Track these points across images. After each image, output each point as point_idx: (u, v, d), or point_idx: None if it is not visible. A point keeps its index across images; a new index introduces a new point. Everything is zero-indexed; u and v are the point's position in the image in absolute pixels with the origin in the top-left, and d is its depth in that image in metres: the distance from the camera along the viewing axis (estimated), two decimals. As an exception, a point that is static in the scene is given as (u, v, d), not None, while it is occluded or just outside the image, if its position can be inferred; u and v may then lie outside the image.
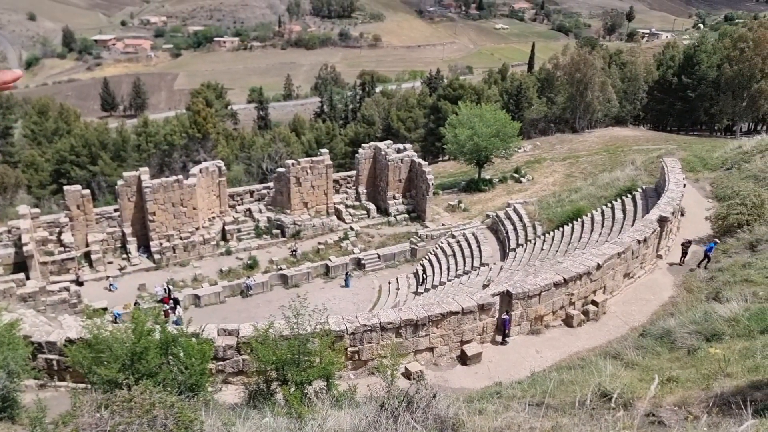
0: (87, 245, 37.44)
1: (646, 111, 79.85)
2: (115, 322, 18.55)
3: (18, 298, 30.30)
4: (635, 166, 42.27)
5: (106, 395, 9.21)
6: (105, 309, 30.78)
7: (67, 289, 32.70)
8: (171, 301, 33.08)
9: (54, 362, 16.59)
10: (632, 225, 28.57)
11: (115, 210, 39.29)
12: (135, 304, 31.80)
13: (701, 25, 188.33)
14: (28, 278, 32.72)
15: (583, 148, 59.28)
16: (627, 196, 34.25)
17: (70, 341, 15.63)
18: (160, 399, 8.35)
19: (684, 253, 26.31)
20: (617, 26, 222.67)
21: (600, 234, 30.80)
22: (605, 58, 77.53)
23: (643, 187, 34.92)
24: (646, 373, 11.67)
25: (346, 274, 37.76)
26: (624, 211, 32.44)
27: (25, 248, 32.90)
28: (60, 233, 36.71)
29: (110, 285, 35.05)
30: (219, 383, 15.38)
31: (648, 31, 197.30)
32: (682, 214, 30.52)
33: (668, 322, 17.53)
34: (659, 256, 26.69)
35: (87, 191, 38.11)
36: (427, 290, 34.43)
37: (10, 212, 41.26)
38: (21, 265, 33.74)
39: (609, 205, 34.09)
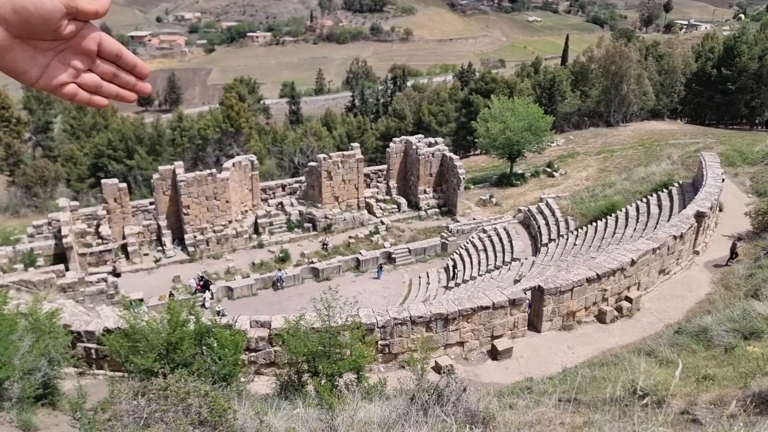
0: (124, 237, 38.28)
1: (684, 104, 77.98)
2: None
3: (58, 289, 31.17)
4: (672, 160, 41.40)
5: (142, 383, 9.44)
6: (141, 300, 31.47)
7: (104, 280, 33.53)
8: (201, 286, 33.86)
9: (92, 351, 17.02)
10: (668, 220, 28.03)
11: (151, 203, 40.06)
12: (170, 295, 32.43)
13: (742, 16, 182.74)
14: (67, 269, 33.62)
15: (617, 142, 58.28)
16: (663, 191, 33.59)
17: (107, 331, 16.01)
18: (194, 388, 8.53)
19: (734, 254, 24.58)
20: (654, 17, 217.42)
21: (634, 229, 30.29)
22: (641, 50, 75.85)
23: (680, 182, 34.20)
24: (681, 371, 11.46)
25: (379, 266, 37.93)
26: (660, 206, 31.82)
27: (64, 240, 33.81)
28: (98, 225, 37.60)
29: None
30: (251, 374, 15.62)
31: (686, 22, 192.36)
32: (721, 210, 29.82)
33: (705, 319, 17.17)
34: (696, 253, 26.13)
35: (124, 185, 38.95)
36: (457, 285, 34.35)
37: (51, 205, 42.42)
38: (61, 256, 34.69)
39: (644, 200, 33.48)
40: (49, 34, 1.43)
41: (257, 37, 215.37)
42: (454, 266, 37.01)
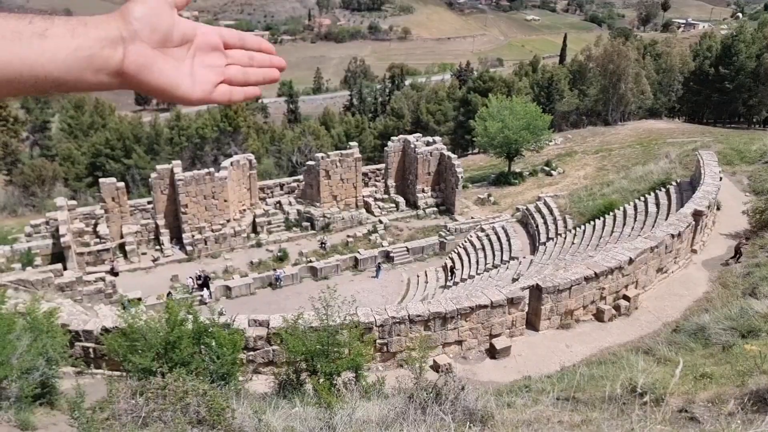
0: (122, 237, 38.23)
1: (682, 103, 78.12)
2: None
3: (56, 288, 31.10)
4: (669, 159, 41.44)
5: (141, 383, 9.45)
6: (139, 299, 31.44)
7: (102, 279, 33.48)
8: (200, 284, 33.85)
9: (90, 350, 16.99)
10: (666, 219, 28.06)
11: (149, 202, 40.01)
12: (168, 294, 32.40)
13: (740, 15, 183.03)
14: (65, 268, 33.56)
15: (615, 141, 58.33)
16: (661, 190, 33.64)
17: (106, 330, 16.00)
18: (192, 387, 8.54)
19: (739, 253, 24.38)
20: (652, 16, 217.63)
21: (632, 228, 30.32)
22: (639, 49, 75.96)
23: (678, 180, 34.24)
24: (680, 370, 11.47)
25: (378, 265, 37.90)
26: (657, 204, 31.86)
27: (62, 239, 33.75)
28: (96, 225, 37.54)
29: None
30: (249, 373, 15.63)
31: (684, 21, 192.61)
32: (718, 208, 29.86)
33: (702, 317, 17.22)
34: (694, 251, 26.18)
35: (122, 184, 38.88)
36: (455, 284, 34.35)
37: (48, 204, 42.33)
38: (58, 255, 34.62)
39: (642, 198, 33.51)
40: (171, 29, 1.37)
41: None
42: (453, 265, 37.00)
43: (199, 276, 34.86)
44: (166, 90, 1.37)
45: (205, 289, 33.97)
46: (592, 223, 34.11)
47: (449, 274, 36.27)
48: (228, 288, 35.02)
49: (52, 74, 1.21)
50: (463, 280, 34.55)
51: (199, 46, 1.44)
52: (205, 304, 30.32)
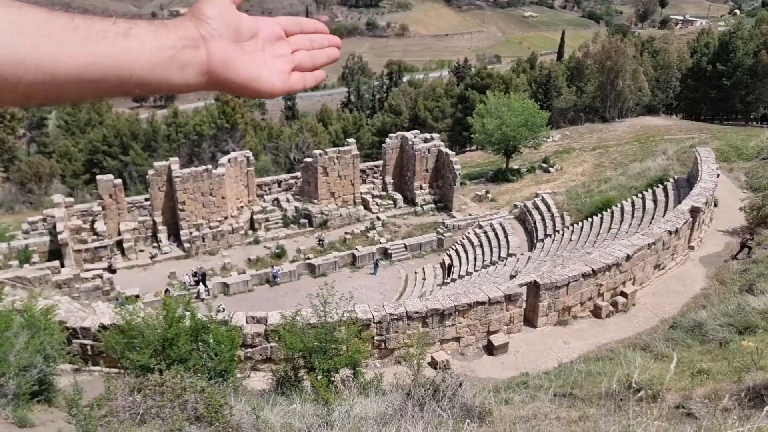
0: (119, 234, 38.17)
1: (679, 100, 78.15)
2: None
3: (53, 285, 31.05)
4: (667, 155, 41.49)
5: (138, 379, 9.45)
6: (137, 296, 31.41)
7: (100, 276, 33.43)
8: (196, 281, 33.84)
9: (88, 347, 16.97)
10: (663, 216, 28.10)
11: (146, 199, 39.93)
12: (166, 291, 32.37)
13: (737, 11, 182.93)
14: (62, 266, 33.50)
15: (613, 138, 58.37)
16: (658, 187, 33.68)
17: (103, 327, 15.98)
18: (190, 384, 8.54)
19: (748, 248, 24.44)
20: (650, 13, 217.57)
21: (630, 225, 30.37)
22: (637, 45, 75.99)
23: (675, 177, 34.27)
24: (676, 365, 11.50)
25: (375, 262, 37.92)
26: (655, 201, 31.91)
27: (59, 236, 33.69)
28: (93, 222, 37.48)
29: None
30: (247, 370, 15.63)
31: (682, 18, 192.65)
32: (716, 205, 29.91)
33: (700, 314, 17.27)
34: (691, 248, 26.22)
35: (119, 181, 38.81)
36: (453, 280, 34.38)
37: (46, 201, 42.25)
38: (56, 252, 34.55)
39: (639, 195, 33.57)
40: (239, 25, 1.38)
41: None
42: (450, 262, 37.03)
43: (196, 273, 34.86)
44: (251, 84, 1.37)
45: (201, 285, 33.96)
46: (589, 219, 34.16)
47: (447, 270, 36.29)
48: (226, 285, 35.02)
49: (137, 73, 1.21)
50: (460, 276, 34.59)
51: (265, 38, 1.45)
52: (202, 300, 30.38)
